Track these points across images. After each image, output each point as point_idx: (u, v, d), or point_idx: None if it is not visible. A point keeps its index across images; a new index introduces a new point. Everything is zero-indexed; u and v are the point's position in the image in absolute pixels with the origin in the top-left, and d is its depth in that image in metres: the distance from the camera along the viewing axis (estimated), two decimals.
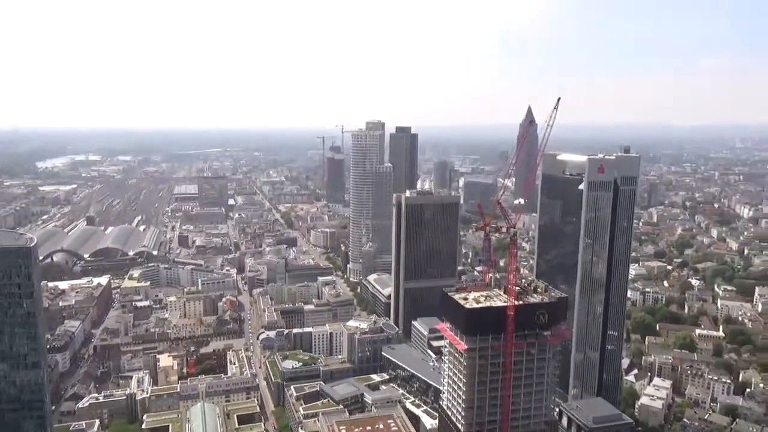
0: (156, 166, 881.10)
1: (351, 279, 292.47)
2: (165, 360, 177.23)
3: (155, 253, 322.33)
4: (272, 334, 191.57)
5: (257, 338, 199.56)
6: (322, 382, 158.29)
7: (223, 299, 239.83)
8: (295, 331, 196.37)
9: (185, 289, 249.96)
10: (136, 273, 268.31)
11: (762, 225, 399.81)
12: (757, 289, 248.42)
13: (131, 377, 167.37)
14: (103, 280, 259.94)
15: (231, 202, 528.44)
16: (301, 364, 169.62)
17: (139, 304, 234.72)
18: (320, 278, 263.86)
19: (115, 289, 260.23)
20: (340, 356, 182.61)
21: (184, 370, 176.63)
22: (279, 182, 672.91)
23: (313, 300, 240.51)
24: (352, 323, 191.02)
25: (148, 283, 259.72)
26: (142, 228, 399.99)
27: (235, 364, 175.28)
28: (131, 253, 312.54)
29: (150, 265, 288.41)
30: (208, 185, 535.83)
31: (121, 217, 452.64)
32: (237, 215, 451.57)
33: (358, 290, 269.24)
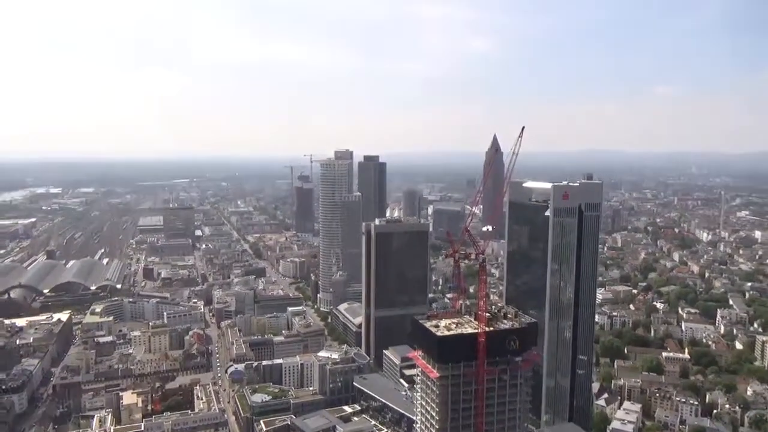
0: (120, 197, 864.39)
1: (321, 309, 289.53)
2: (129, 397, 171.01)
3: (119, 286, 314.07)
4: (241, 367, 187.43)
5: (226, 372, 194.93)
6: (293, 416, 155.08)
7: (190, 332, 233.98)
8: (264, 363, 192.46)
9: (150, 323, 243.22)
10: (98, 308, 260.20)
11: (720, 248, 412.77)
12: (718, 311, 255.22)
13: (92, 417, 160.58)
14: (64, 315, 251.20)
15: (198, 233, 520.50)
16: (271, 397, 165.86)
17: (101, 339, 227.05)
18: (290, 309, 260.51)
19: (77, 325, 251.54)
20: (311, 388, 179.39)
21: (149, 408, 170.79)
22: (247, 212, 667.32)
23: (283, 331, 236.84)
24: (323, 354, 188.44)
25: (111, 318, 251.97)
26: (105, 261, 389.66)
27: (202, 399, 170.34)
28: (93, 287, 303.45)
29: (113, 299, 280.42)
30: (174, 216, 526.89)
31: (83, 251, 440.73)
32: (204, 246, 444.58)
33: (329, 320, 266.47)
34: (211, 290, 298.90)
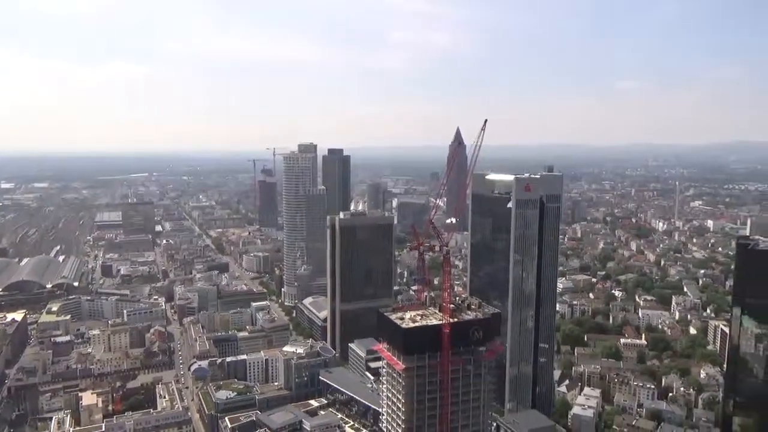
0: (76, 192, 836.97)
1: (286, 303, 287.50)
2: (88, 398, 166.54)
3: (76, 284, 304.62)
4: (204, 363, 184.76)
5: (189, 369, 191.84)
6: (258, 411, 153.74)
7: (151, 330, 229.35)
8: (228, 359, 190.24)
9: (110, 322, 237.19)
10: (54, 306, 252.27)
11: (675, 237, 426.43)
12: (673, 298, 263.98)
13: (50, 419, 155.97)
14: (18, 315, 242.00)
15: (158, 228, 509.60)
16: (235, 393, 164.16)
17: (58, 339, 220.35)
18: (254, 304, 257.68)
19: (32, 325, 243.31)
20: (276, 383, 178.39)
21: (110, 408, 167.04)
22: (209, 207, 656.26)
23: (247, 326, 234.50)
24: (288, 348, 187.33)
25: (68, 316, 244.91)
26: (61, 258, 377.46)
27: (165, 397, 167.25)
28: (49, 286, 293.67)
29: (70, 297, 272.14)
30: (134, 211, 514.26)
31: (38, 248, 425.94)
32: (165, 242, 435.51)
33: (294, 314, 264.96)
34: (173, 286, 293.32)
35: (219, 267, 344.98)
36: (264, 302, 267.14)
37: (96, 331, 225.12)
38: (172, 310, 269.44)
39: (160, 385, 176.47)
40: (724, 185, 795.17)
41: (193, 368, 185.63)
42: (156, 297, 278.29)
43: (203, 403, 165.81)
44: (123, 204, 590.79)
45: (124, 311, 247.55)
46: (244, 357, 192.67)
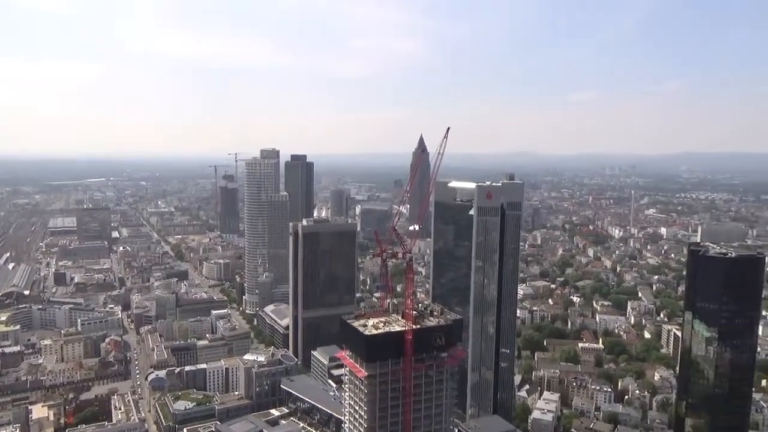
0: (27, 197, 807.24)
1: (247, 311, 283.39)
2: (39, 410, 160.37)
3: (27, 293, 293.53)
4: (162, 373, 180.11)
5: (146, 379, 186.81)
6: (218, 422, 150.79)
7: (107, 339, 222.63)
8: (187, 369, 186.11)
9: (63, 331, 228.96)
10: (3, 316, 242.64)
11: (630, 244, 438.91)
12: (629, 303, 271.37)
13: None
14: None
15: (115, 234, 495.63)
16: (194, 404, 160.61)
17: (7, 350, 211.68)
18: (214, 312, 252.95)
19: None
20: (237, 392, 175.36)
21: (62, 421, 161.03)
22: (168, 213, 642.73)
23: (207, 335, 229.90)
24: (248, 357, 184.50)
25: (18, 326, 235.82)
26: (11, 266, 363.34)
27: (120, 409, 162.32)
28: None
29: (20, 306, 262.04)
30: (89, 217, 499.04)
31: None
32: (122, 248, 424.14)
33: (255, 322, 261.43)
34: (130, 295, 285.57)
35: (178, 274, 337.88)
36: (224, 310, 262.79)
37: (48, 341, 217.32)
38: (129, 319, 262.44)
39: (115, 397, 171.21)
40: (676, 194, 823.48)
41: (150, 378, 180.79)
42: (112, 305, 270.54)
43: (161, 414, 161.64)
44: (78, 209, 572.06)
45: (78, 320, 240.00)
46: (203, 366, 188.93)
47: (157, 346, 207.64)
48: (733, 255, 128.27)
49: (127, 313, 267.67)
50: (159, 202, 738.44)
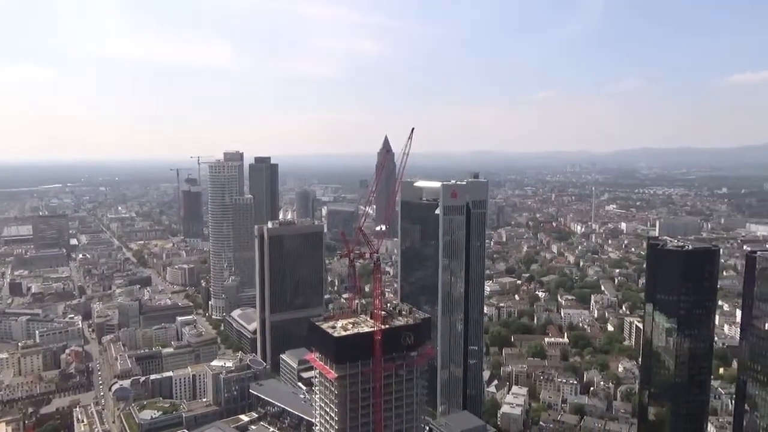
0: None
1: (213, 316, 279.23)
2: None
3: None
4: (126, 383, 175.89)
5: (109, 390, 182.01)
6: (185, 430, 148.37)
7: (67, 350, 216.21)
8: (153, 377, 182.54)
9: (20, 344, 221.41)
10: None
11: (592, 239, 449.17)
12: (592, 297, 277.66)
13: None
14: None
15: (73, 242, 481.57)
16: (161, 412, 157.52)
17: None
18: (179, 318, 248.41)
19: None
20: (204, 399, 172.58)
21: None
22: (129, 218, 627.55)
23: (173, 342, 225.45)
24: (216, 363, 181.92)
25: None
26: None
27: (83, 421, 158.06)
28: None
29: None
30: (45, 225, 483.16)
31: None
32: (81, 256, 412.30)
33: (222, 327, 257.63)
34: (91, 303, 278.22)
35: (141, 281, 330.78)
36: (190, 316, 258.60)
37: (4, 355, 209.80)
38: (90, 329, 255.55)
39: (77, 409, 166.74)
40: (635, 190, 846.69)
41: (114, 389, 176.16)
42: (72, 315, 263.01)
43: (126, 425, 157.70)
44: (33, 217, 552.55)
45: (36, 332, 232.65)
46: (169, 374, 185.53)
47: (120, 355, 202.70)
48: (690, 248, 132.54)
49: (88, 323, 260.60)
50: (119, 208, 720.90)
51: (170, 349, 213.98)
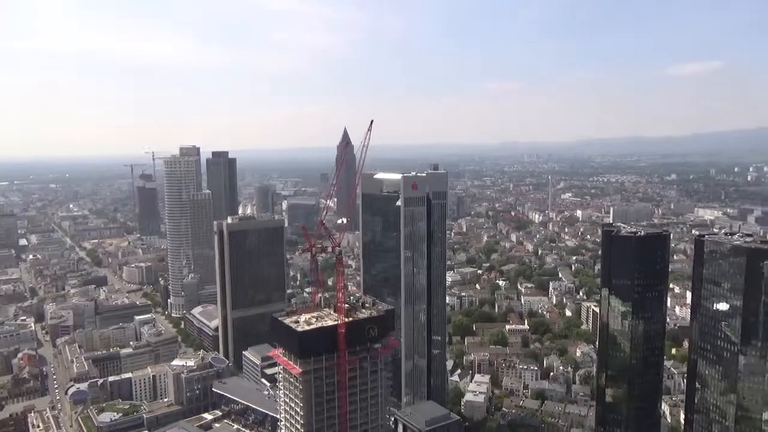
0: None
1: (173, 315, 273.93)
2: None
3: None
4: (84, 386, 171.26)
5: (66, 393, 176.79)
6: (147, 431, 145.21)
7: (19, 354, 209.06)
8: (111, 379, 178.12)
9: None
10: None
11: (549, 228, 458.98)
12: (551, 283, 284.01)
13: None
14: None
15: (23, 242, 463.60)
16: (120, 414, 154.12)
17: None
18: (137, 318, 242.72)
19: None
20: (166, 399, 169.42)
21: None
22: (82, 216, 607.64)
23: (131, 342, 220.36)
24: (177, 362, 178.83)
25: None
26: None
27: (39, 426, 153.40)
28: None
29: None
30: None
31: None
32: (31, 256, 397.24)
33: (182, 326, 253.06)
34: (43, 305, 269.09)
35: (96, 281, 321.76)
36: (148, 315, 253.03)
37: None
38: (44, 331, 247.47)
39: (32, 414, 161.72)
40: (589, 178, 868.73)
41: (70, 392, 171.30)
42: (24, 317, 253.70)
43: (84, 428, 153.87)
44: None
45: None
46: (128, 375, 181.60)
47: (76, 357, 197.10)
48: (642, 234, 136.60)
49: (41, 325, 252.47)
50: (71, 206, 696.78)
51: (129, 350, 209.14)
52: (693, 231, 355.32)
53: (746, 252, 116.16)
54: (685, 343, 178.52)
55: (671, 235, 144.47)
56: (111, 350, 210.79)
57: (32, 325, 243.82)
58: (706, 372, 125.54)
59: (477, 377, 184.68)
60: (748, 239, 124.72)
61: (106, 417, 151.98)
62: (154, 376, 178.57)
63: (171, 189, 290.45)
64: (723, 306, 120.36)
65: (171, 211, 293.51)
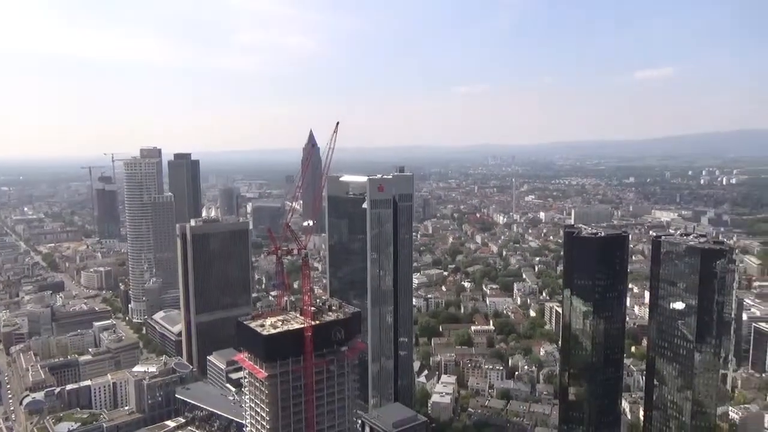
0: None
1: (134, 320, 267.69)
2: None
3: None
4: (39, 395, 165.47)
5: (20, 403, 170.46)
6: None
7: None
8: (69, 387, 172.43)
9: None
10: None
11: (514, 229, 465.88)
12: (515, 284, 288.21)
13: None
14: None
15: None
16: (79, 424, 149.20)
17: None
18: (96, 324, 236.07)
19: None
20: (127, 407, 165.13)
21: None
22: (37, 220, 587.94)
23: (90, 349, 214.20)
24: (138, 368, 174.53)
25: None
26: None
27: None
28: None
29: None
30: None
31: None
32: None
33: (144, 331, 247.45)
34: None
35: (52, 286, 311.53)
36: (108, 321, 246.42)
37: None
38: None
39: None
40: (552, 180, 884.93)
41: (25, 402, 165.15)
42: None
43: None
44: None
45: None
46: (87, 383, 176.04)
47: (31, 366, 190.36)
48: (602, 235, 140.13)
49: None
50: (25, 209, 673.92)
51: (88, 357, 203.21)
52: (650, 232, 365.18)
53: (700, 252, 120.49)
54: (644, 342, 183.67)
55: (630, 236, 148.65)
56: (69, 357, 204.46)
57: None
58: (664, 369, 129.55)
59: (443, 378, 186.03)
60: (702, 240, 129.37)
61: (64, 427, 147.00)
62: (114, 384, 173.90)
63: (131, 191, 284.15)
64: (679, 305, 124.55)
65: (131, 214, 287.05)
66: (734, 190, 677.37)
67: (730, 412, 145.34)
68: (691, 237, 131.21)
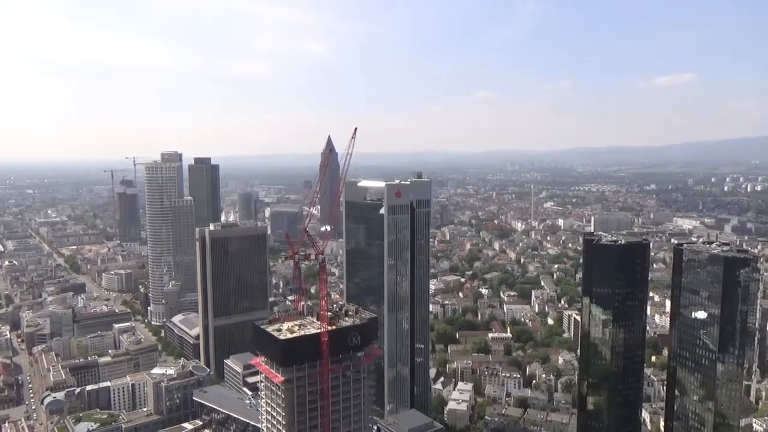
0: None
1: (153, 322, 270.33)
2: None
3: None
4: (60, 395, 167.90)
5: (41, 403, 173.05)
6: None
7: None
8: (89, 388, 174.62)
9: None
10: None
11: (532, 236, 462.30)
12: (533, 292, 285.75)
13: None
14: None
15: None
16: (98, 424, 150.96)
17: None
18: (116, 326, 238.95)
19: None
20: (145, 409, 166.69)
21: None
22: (60, 222, 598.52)
23: (110, 351, 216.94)
24: (157, 371, 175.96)
25: None
26: None
27: None
28: None
29: None
30: None
31: None
32: (7, 263, 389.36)
33: (163, 334, 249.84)
34: (19, 312, 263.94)
35: (74, 288, 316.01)
36: (128, 323, 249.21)
37: None
38: (19, 339, 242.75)
39: (6, 424, 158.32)
40: (571, 187, 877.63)
41: (46, 401, 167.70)
42: None
43: None
44: None
45: None
46: (107, 384, 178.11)
47: (53, 366, 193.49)
48: (623, 242, 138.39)
49: (16, 333, 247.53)
50: (49, 211, 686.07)
51: (107, 358, 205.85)
52: (672, 240, 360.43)
53: (723, 261, 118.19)
54: (665, 351, 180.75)
55: (651, 244, 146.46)
56: (89, 358, 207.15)
57: (7, 333, 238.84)
58: (685, 379, 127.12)
59: (460, 385, 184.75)
60: (725, 248, 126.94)
61: (83, 427, 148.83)
62: (133, 385, 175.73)
63: (152, 195, 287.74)
64: (701, 314, 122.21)
65: (152, 218, 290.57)
66: (759, 198, 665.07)
67: (754, 425, 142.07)
68: (714, 245, 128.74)
